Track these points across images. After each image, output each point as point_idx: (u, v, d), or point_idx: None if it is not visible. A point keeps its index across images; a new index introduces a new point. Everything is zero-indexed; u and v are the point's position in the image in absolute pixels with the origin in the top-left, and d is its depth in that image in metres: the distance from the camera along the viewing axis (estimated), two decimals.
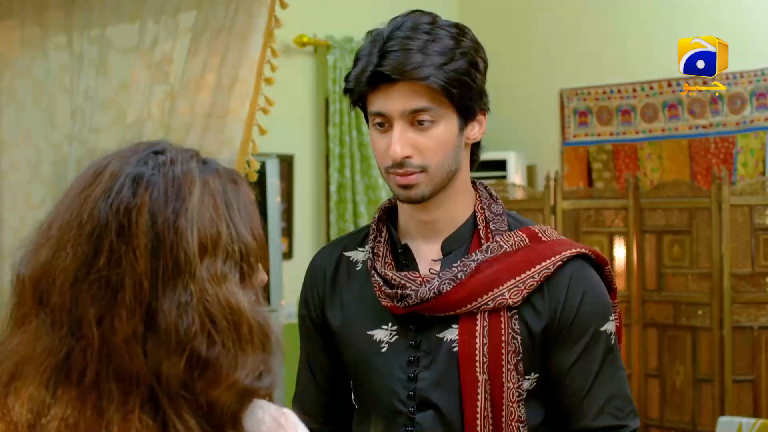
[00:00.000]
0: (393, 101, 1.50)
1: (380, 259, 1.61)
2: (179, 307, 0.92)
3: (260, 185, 3.99)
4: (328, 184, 4.52)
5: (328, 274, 1.68)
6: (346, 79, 1.57)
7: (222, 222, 0.97)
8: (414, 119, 1.51)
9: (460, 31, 1.54)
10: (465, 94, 1.52)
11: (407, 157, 1.52)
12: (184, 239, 0.94)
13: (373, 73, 1.49)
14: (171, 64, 2.67)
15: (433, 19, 1.54)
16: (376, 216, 1.67)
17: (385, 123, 1.53)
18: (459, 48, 1.51)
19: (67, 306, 0.93)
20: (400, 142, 1.51)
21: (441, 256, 1.60)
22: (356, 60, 1.55)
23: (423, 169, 1.53)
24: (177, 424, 0.91)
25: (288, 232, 4.45)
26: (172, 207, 0.94)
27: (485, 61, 1.57)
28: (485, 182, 1.72)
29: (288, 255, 4.42)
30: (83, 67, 2.87)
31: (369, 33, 1.56)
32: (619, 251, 4.43)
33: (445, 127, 1.53)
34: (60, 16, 2.95)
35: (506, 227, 1.61)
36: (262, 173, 4.14)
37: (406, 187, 1.54)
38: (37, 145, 2.99)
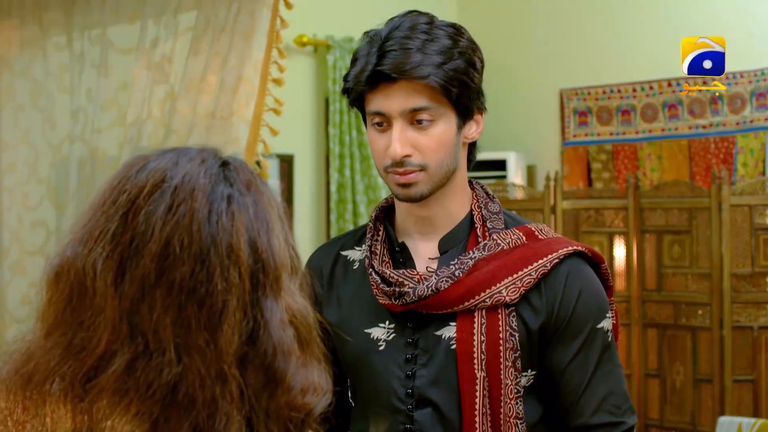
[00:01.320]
0: (392, 100, 1.51)
1: (378, 257, 1.62)
2: (282, 325, 0.94)
3: None
4: (328, 184, 4.52)
5: (324, 274, 1.69)
6: (345, 78, 1.57)
7: (285, 238, 0.99)
8: (413, 118, 1.52)
9: (457, 31, 1.55)
10: (463, 93, 1.53)
11: (407, 156, 1.53)
12: (276, 259, 0.96)
13: (373, 72, 1.50)
14: (171, 64, 2.67)
15: (431, 19, 1.55)
16: (373, 215, 1.68)
17: (383, 122, 1.54)
18: (457, 47, 1.52)
19: (171, 329, 0.92)
20: (399, 141, 1.52)
21: (438, 255, 1.61)
22: (354, 60, 1.56)
23: (422, 168, 1.54)
24: None
25: None
26: (264, 229, 0.96)
27: (482, 61, 1.59)
28: (485, 182, 1.73)
29: None
30: (84, 68, 2.87)
31: (366, 34, 1.57)
32: (619, 251, 4.43)
33: (444, 126, 1.54)
34: (60, 16, 2.95)
35: (503, 225, 1.62)
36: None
37: (405, 185, 1.55)
38: (35, 145, 2.99)
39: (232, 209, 0.95)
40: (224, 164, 1.00)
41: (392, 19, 1.56)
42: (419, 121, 1.52)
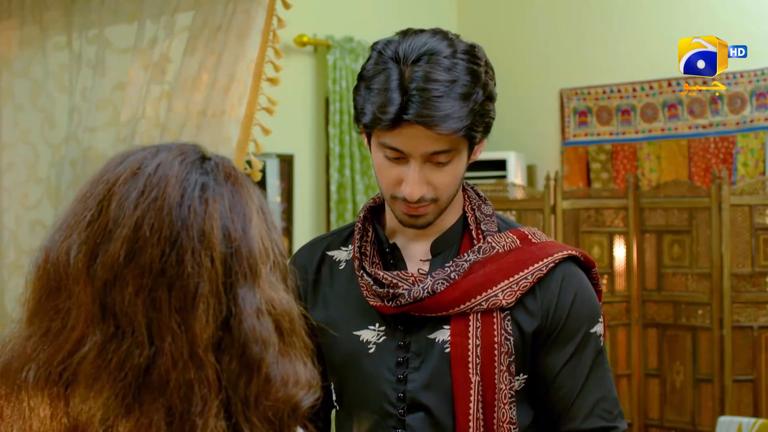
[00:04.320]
0: (414, 142, 1.46)
1: (368, 258, 1.60)
2: (257, 314, 0.94)
3: (260, 185, 3.99)
4: (328, 183, 4.52)
5: (309, 274, 1.66)
6: (362, 110, 1.49)
7: (267, 233, 0.99)
8: (432, 158, 1.48)
9: (474, 58, 1.48)
10: (484, 132, 1.51)
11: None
12: (251, 248, 0.96)
13: (398, 117, 1.43)
14: (168, 63, 2.67)
15: (450, 43, 1.48)
16: (361, 215, 1.64)
17: (399, 156, 1.49)
18: (478, 82, 1.47)
19: (142, 312, 0.92)
20: (418, 183, 1.48)
21: (430, 256, 1.59)
22: (367, 84, 1.48)
23: (434, 200, 1.52)
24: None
25: (288, 232, 4.45)
26: (239, 218, 0.96)
27: (495, 81, 1.54)
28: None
29: (288, 255, 4.41)
30: (81, 67, 2.86)
31: (375, 49, 1.50)
32: (619, 251, 4.43)
33: (459, 161, 1.51)
34: (59, 17, 2.95)
35: (496, 228, 1.60)
36: (262, 173, 4.13)
37: (414, 216, 1.53)
38: (34, 145, 2.98)
39: (206, 196, 0.96)
40: (204, 157, 1.01)
41: (408, 37, 1.48)
42: (438, 160, 1.48)
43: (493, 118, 1.52)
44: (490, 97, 1.49)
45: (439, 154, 1.47)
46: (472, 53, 1.49)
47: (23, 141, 2.99)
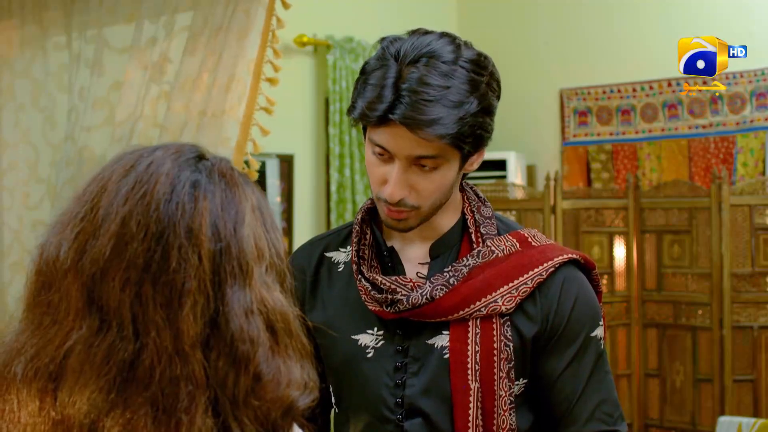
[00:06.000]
0: (399, 143, 1.44)
1: (366, 262, 1.57)
2: (246, 313, 0.93)
3: (260, 185, 3.99)
4: (328, 183, 4.52)
5: (307, 275, 1.64)
6: (353, 103, 1.48)
7: (264, 234, 0.99)
8: (418, 162, 1.46)
9: (478, 68, 1.45)
10: (474, 144, 1.47)
11: (402, 197, 1.48)
12: (242, 247, 0.95)
13: (384, 115, 1.42)
14: (167, 63, 2.67)
15: (455, 49, 1.45)
16: (358, 217, 1.62)
17: (385, 154, 1.47)
18: (476, 92, 1.43)
19: (128, 306, 0.92)
20: (399, 185, 1.46)
21: (428, 260, 1.57)
22: (365, 79, 1.47)
23: (415, 208, 1.49)
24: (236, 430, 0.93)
25: (288, 232, 4.45)
26: (230, 217, 0.96)
27: (499, 94, 1.50)
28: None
29: (288, 255, 4.41)
30: (80, 67, 2.86)
31: (381, 42, 1.48)
32: (619, 251, 4.43)
33: (447, 170, 1.48)
34: (59, 17, 2.95)
35: (496, 231, 1.58)
36: (262, 173, 4.13)
37: (395, 219, 1.51)
38: (35, 145, 2.99)
39: (197, 193, 0.96)
40: (201, 157, 1.01)
41: (416, 36, 1.46)
42: (423, 165, 1.45)
43: (489, 132, 1.48)
44: (486, 110, 1.45)
45: (425, 159, 1.44)
46: (477, 62, 1.45)
47: (24, 141, 2.99)
